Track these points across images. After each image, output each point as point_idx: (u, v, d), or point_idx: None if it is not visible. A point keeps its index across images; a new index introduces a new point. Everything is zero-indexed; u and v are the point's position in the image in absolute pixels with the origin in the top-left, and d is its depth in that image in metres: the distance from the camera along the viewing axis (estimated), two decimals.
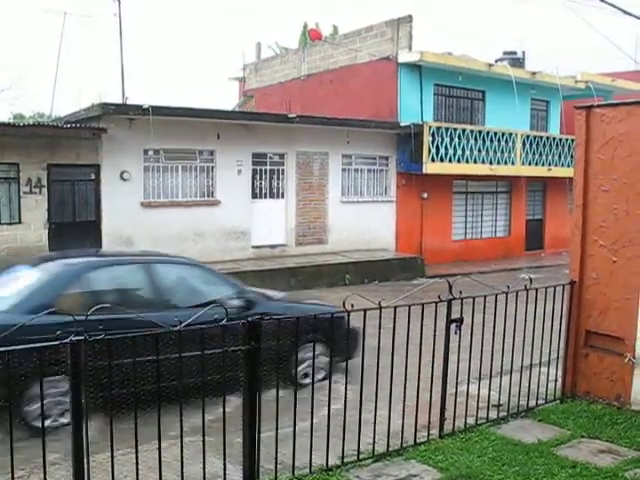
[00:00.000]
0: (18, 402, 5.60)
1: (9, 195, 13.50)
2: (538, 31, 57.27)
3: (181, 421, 4.46)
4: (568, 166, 20.76)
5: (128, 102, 16.05)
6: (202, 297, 7.19)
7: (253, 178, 16.62)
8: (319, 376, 6.16)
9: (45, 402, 4.72)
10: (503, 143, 19.97)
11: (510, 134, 20.19)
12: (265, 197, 16.92)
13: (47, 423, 5.39)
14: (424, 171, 18.35)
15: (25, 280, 6.97)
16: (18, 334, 4.14)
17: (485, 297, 6.08)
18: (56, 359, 4.37)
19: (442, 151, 18.44)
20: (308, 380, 6.24)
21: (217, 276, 8.11)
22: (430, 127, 18.27)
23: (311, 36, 23.48)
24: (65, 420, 5.28)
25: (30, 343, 4.02)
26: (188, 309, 6.40)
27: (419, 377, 5.69)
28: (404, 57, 18.87)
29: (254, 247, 16.57)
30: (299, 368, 7.02)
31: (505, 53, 22.82)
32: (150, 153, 15.00)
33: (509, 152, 20.18)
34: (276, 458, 4.94)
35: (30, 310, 6.03)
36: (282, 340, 5.04)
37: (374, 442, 5.46)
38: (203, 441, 4.58)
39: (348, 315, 5.19)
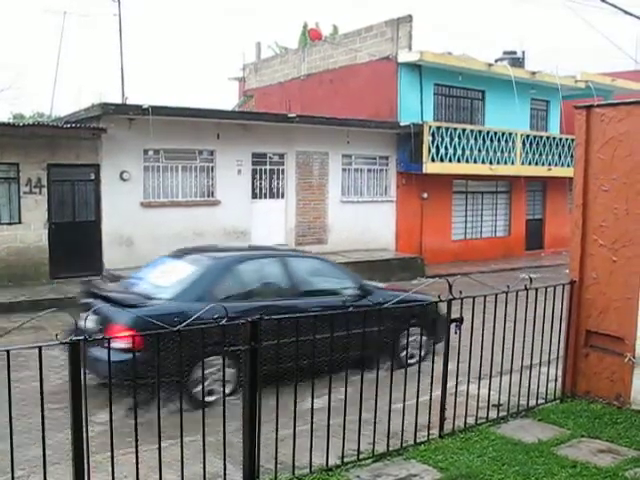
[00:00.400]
0: (187, 377, 6.32)
1: (9, 195, 13.50)
2: (538, 31, 57.33)
3: (181, 420, 4.46)
4: (568, 166, 20.77)
5: (128, 102, 16.05)
6: (327, 286, 8.32)
7: (253, 178, 16.63)
8: (417, 358, 7.09)
9: (209, 378, 6.27)
10: (503, 143, 19.97)
11: (510, 134, 20.20)
12: (265, 197, 16.92)
13: (212, 398, 6.47)
14: (424, 171, 18.36)
15: (180, 272, 7.70)
16: (187, 319, 4.56)
17: (485, 297, 6.08)
18: (217, 341, 5.03)
19: (442, 151, 18.45)
20: (413, 360, 7.42)
21: (339, 268, 9.12)
22: (430, 127, 18.27)
23: (311, 36, 23.48)
24: (227, 390, 5.83)
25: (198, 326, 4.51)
26: (318, 296, 7.76)
27: (419, 376, 5.69)
28: (404, 57, 18.87)
29: None
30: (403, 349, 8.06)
31: (505, 53, 22.82)
32: (150, 153, 15.00)
33: (509, 152, 20.19)
34: (276, 458, 4.94)
35: (192, 298, 7.01)
36: (394, 324, 6.02)
37: (374, 442, 5.46)
38: (203, 441, 4.58)
39: (436, 304, 6.03)
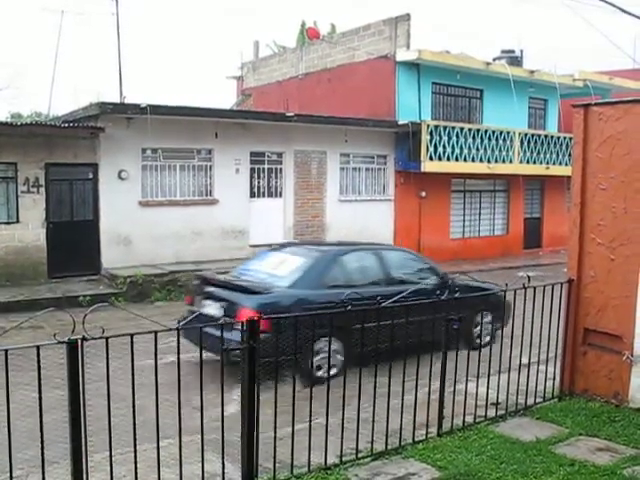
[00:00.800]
0: (306, 356, 7.11)
1: (7, 194, 13.48)
2: (537, 31, 57.36)
3: (180, 420, 4.46)
4: (566, 164, 20.79)
5: (126, 101, 16.01)
6: (414, 275, 9.26)
7: (251, 177, 16.62)
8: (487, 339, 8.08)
9: (319, 357, 7.38)
10: (501, 141, 19.98)
11: (508, 132, 20.20)
12: (263, 196, 16.92)
13: (319, 373, 7.40)
14: (422, 169, 18.36)
15: (291, 263, 8.66)
16: (304, 304, 6.10)
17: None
18: (326, 325, 5.66)
19: (440, 149, 18.45)
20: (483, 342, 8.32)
21: (424, 260, 10.03)
22: (428, 125, 18.27)
23: (309, 35, 23.45)
24: (332, 372, 6.59)
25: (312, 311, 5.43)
26: (407, 284, 8.34)
27: (417, 375, 5.70)
28: (402, 55, 18.87)
29: (252, 246, 16.55)
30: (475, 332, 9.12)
31: (503, 51, 22.83)
32: (148, 152, 14.99)
33: (507, 150, 20.19)
34: (274, 456, 4.94)
35: (306, 286, 8.08)
36: (467, 310, 6.58)
37: (372, 441, 5.47)
38: (202, 440, 4.59)
39: (505, 293, 6.60)
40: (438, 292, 6.12)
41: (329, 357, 5.84)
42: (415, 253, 10.27)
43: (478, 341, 8.94)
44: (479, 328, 9.17)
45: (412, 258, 9.92)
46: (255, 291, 7.91)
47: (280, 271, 8.55)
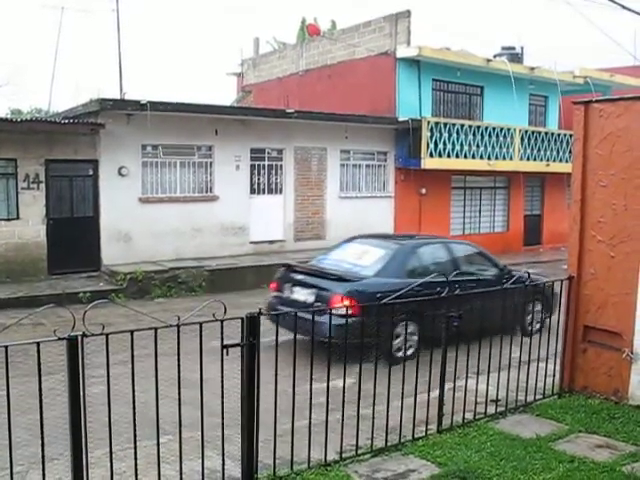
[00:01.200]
0: (387, 338, 7.63)
1: (7, 191, 13.47)
2: (537, 30, 57.18)
3: (180, 416, 4.46)
4: (566, 161, 20.77)
5: (126, 98, 15.98)
6: (479, 266, 10.12)
7: (251, 174, 16.60)
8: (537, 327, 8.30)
9: (399, 340, 8.07)
10: (501, 138, 19.96)
11: (508, 129, 20.18)
12: (263, 193, 16.91)
13: (399, 354, 7.80)
14: (422, 166, 18.34)
15: (372, 254, 9.45)
16: (387, 291, 6.25)
17: (483, 292, 6.09)
18: (406, 310, 6.65)
19: (440, 146, 18.43)
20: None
21: (485, 252, 10.67)
22: (428, 122, 18.25)
23: (309, 31, 23.41)
24: (409, 352, 7.52)
25: (396, 299, 5.75)
26: (473, 274, 9.52)
27: (417, 372, 5.70)
28: (402, 52, 18.84)
29: (252, 243, 16.57)
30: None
31: (503, 48, 22.77)
32: (148, 148, 14.98)
33: (507, 147, 20.17)
34: (274, 453, 4.95)
35: (388, 275, 8.84)
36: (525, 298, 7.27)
37: (372, 437, 5.47)
38: (202, 437, 4.59)
39: (553, 283, 7.44)
40: (501, 281, 6.92)
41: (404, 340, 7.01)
42: (477, 246, 10.92)
43: (530, 328, 9.14)
44: (530, 317, 9.40)
45: (475, 251, 10.64)
46: (345, 279, 8.63)
47: (363, 261, 9.34)
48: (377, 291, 7.65)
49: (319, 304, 8.22)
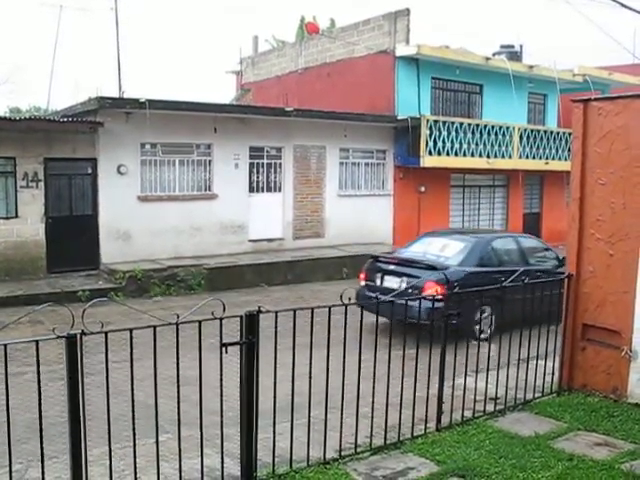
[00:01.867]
0: (470, 321, 8.86)
1: (6, 189, 13.46)
2: (537, 29, 57.19)
3: (179, 414, 4.46)
4: (565, 160, 20.77)
5: (125, 96, 15.97)
6: (542, 258, 11.30)
7: (250, 172, 16.60)
8: None
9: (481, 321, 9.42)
10: (500, 136, 19.95)
11: (507, 127, 20.17)
12: (262, 191, 16.90)
13: (484, 336, 8.94)
14: (421, 164, 18.33)
15: (453, 246, 10.66)
16: (470, 279, 8.87)
17: (482, 291, 6.09)
18: (487, 296, 7.61)
19: (439, 144, 18.42)
20: None
21: (545, 244, 12.04)
22: (427, 120, 18.24)
23: (308, 29, 23.39)
24: (487, 333, 9.00)
25: (476, 286, 6.88)
26: (538, 265, 10.89)
27: (416, 370, 5.70)
28: (401, 50, 18.82)
29: (251, 241, 16.56)
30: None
31: (502, 47, 22.75)
32: (147, 147, 14.96)
33: (506, 145, 20.17)
34: (274, 451, 4.95)
35: (470, 264, 10.11)
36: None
37: (371, 435, 5.47)
38: (201, 435, 4.59)
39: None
40: (559, 271, 8.04)
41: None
42: (539, 239, 12.46)
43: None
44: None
45: (538, 244, 11.91)
46: (435, 267, 9.59)
47: (446, 252, 10.53)
48: (461, 278, 9.39)
49: (411, 290, 9.24)
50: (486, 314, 9.54)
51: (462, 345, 6.05)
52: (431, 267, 9.67)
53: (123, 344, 4.28)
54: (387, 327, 5.82)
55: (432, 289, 8.84)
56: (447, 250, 10.59)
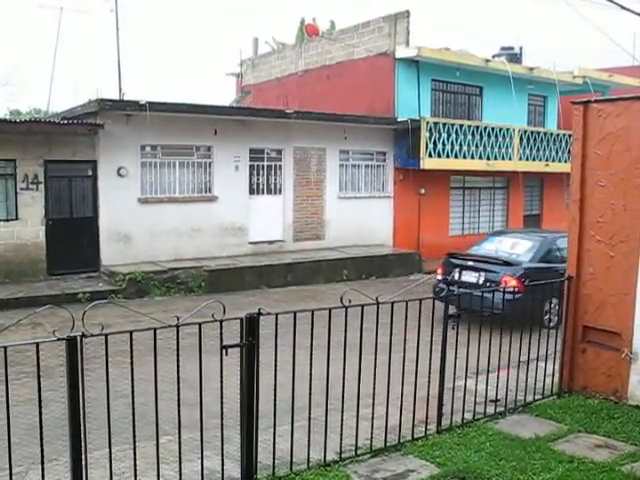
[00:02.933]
0: (540, 311, 9.21)
1: (6, 191, 13.46)
2: (537, 31, 57.21)
3: (179, 416, 4.46)
4: (565, 161, 20.77)
5: (125, 98, 15.98)
6: None
7: (250, 174, 16.59)
8: None
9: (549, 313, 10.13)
10: (500, 138, 19.95)
11: (507, 129, 20.18)
12: (262, 193, 16.90)
13: (552, 324, 9.24)
14: (421, 166, 18.33)
15: (524, 245, 11.69)
16: (539, 273, 10.01)
17: (482, 292, 6.09)
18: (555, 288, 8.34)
19: (439, 146, 18.42)
20: None
21: None
22: (427, 122, 18.24)
23: (308, 31, 23.39)
24: (553, 324, 9.21)
25: (544, 280, 7.85)
26: None
27: (417, 372, 5.70)
28: (401, 52, 18.83)
29: (251, 243, 16.56)
30: None
31: (502, 49, 22.78)
32: (147, 149, 14.97)
33: (506, 147, 20.16)
34: (274, 453, 4.95)
35: (538, 260, 11.21)
36: None
37: (372, 437, 5.47)
38: (201, 437, 4.59)
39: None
40: None
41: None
42: None
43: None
44: None
45: None
46: (510, 263, 10.88)
47: (517, 250, 11.60)
48: (532, 273, 10.42)
49: (488, 284, 10.30)
50: (553, 304, 10.33)
51: (462, 346, 6.03)
52: (506, 263, 10.92)
53: (123, 346, 4.27)
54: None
55: (509, 283, 9.65)
56: (517, 248, 11.66)
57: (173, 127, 14.98)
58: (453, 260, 12.00)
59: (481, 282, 10.82)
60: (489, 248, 12.06)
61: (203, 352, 4.53)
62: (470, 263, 11.51)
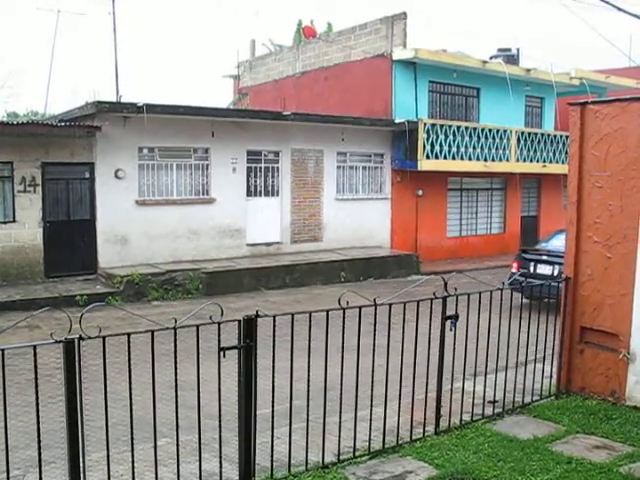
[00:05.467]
0: None
1: (3, 194, 13.45)
2: (535, 31, 57.34)
3: (177, 419, 4.46)
4: (563, 162, 20.80)
5: (122, 100, 15.99)
6: None
7: (248, 176, 16.60)
8: None
9: None
10: (498, 140, 19.99)
11: (505, 131, 20.21)
12: (260, 195, 16.90)
13: None
14: (419, 168, 18.35)
15: None
16: None
17: (480, 294, 6.10)
18: None
19: (437, 148, 18.45)
20: None
21: None
22: (425, 124, 18.26)
23: (305, 33, 23.44)
24: None
25: None
26: None
27: (414, 374, 5.70)
28: (399, 54, 18.86)
29: (249, 245, 16.56)
30: None
31: (499, 50, 22.80)
32: (145, 151, 14.97)
33: (504, 149, 20.21)
34: (272, 455, 4.94)
35: None
36: None
37: (370, 439, 5.47)
38: (199, 439, 4.59)
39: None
40: None
41: None
42: None
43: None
44: None
45: None
46: None
47: None
48: None
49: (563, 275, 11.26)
50: None
51: (460, 347, 6.02)
52: None
53: (121, 348, 4.27)
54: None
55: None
56: None
57: (170, 129, 14.98)
58: (525, 255, 13.15)
59: (555, 274, 11.62)
60: (558, 244, 12.47)
61: (201, 354, 4.53)
62: (544, 257, 12.58)
